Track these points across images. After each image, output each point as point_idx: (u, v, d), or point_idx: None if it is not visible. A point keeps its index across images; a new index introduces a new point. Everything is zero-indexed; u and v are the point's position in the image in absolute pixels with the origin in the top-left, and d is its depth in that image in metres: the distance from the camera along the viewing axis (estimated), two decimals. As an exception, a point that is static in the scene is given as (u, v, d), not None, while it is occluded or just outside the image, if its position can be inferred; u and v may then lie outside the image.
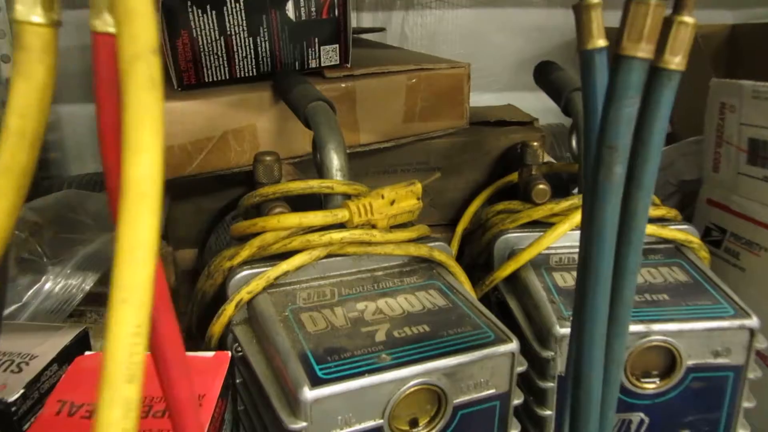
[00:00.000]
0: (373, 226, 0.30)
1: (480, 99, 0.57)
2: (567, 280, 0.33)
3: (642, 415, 0.31)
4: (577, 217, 0.33)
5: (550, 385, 0.30)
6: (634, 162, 0.17)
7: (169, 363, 0.14)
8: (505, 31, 0.74)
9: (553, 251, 0.35)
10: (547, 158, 0.47)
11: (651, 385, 0.30)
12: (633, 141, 0.17)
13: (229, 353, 0.27)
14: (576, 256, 0.35)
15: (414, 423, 0.27)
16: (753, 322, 0.29)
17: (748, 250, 0.37)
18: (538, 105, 0.54)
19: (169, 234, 0.48)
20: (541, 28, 0.74)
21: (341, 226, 0.30)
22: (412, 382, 0.25)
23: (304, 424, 0.23)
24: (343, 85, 0.44)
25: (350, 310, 0.29)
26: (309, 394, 0.23)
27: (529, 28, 0.74)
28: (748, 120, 0.38)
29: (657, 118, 0.17)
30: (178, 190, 0.46)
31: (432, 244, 0.33)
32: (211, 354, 0.27)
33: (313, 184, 0.31)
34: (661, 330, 0.29)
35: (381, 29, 0.65)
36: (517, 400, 0.28)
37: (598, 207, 0.17)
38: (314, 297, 0.29)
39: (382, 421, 0.25)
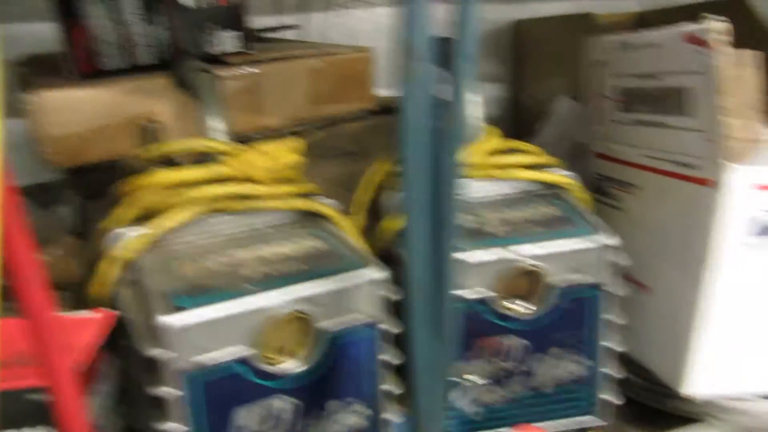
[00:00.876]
0: (256, 182, 0.32)
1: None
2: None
3: (518, 338, 0.32)
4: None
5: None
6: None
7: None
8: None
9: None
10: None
11: (522, 309, 0.32)
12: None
13: (112, 312, 0.28)
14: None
15: (286, 353, 0.28)
16: (613, 240, 0.31)
17: (623, 191, 0.40)
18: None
19: (85, 230, 0.49)
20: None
21: (222, 182, 0.31)
22: (277, 309, 0.26)
23: (163, 351, 0.24)
24: (246, 70, 0.46)
25: (230, 259, 0.30)
26: (167, 319, 0.24)
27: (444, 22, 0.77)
28: (617, 71, 0.41)
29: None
30: (93, 185, 0.47)
31: (321, 200, 0.34)
32: (90, 314, 0.28)
33: (193, 144, 0.32)
34: (525, 252, 0.31)
35: (294, 26, 0.67)
36: (395, 329, 0.29)
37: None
38: (197, 253, 0.31)
39: (247, 349, 0.26)
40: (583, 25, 0.60)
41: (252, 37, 0.47)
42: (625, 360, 0.42)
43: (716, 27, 0.32)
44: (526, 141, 0.39)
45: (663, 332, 0.37)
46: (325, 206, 0.34)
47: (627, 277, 0.40)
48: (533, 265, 0.31)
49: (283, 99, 0.49)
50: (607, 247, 0.31)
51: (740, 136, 0.32)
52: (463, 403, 0.34)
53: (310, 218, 0.34)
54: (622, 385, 0.41)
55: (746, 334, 0.35)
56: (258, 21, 0.58)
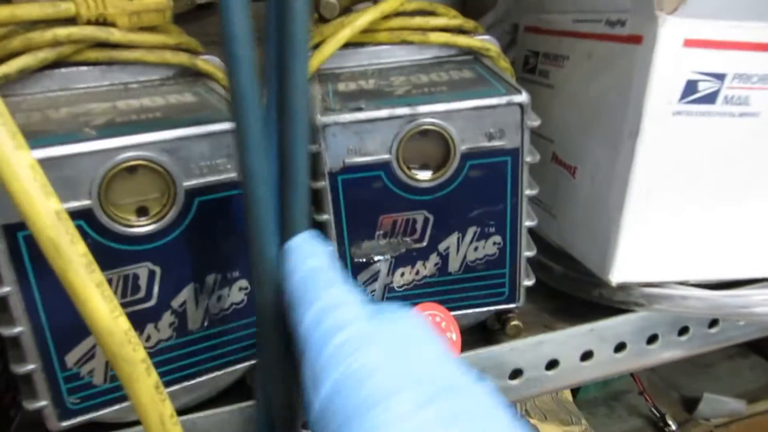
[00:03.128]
0: (112, 25, 0.27)
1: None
2: (350, 86, 0.31)
3: (425, 212, 0.29)
4: (344, 32, 0.31)
5: (322, 183, 0.28)
6: None
7: None
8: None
9: (350, 68, 0.33)
10: None
11: (427, 176, 0.29)
12: None
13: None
14: (367, 69, 0.34)
15: (143, 212, 0.24)
16: (522, 97, 0.28)
17: (554, 65, 0.36)
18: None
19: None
20: None
21: (70, 22, 0.27)
22: (120, 156, 0.23)
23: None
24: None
25: (78, 109, 0.26)
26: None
27: None
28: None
29: None
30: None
31: (203, 57, 0.30)
32: None
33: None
34: (429, 111, 0.27)
35: None
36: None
37: None
38: (42, 104, 0.26)
39: (89, 202, 0.23)
40: None
41: None
42: (550, 250, 0.39)
43: None
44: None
45: (589, 217, 0.35)
46: (203, 62, 0.29)
47: (554, 159, 0.37)
48: (435, 125, 0.28)
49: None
50: (517, 105, 0.28)
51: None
52: (371, 289, 0.31)
53: (193, 77, 0.30)
54: (546, 274, 0.39)
55: (676, 216, 0.32)
56: None
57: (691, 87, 0.29)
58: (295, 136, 0.21)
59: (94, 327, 0.17)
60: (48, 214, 0.16)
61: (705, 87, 0.29)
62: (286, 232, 0.22)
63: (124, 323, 0.18)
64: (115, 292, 0.23)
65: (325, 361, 0.17)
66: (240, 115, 0.20)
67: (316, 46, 0.32)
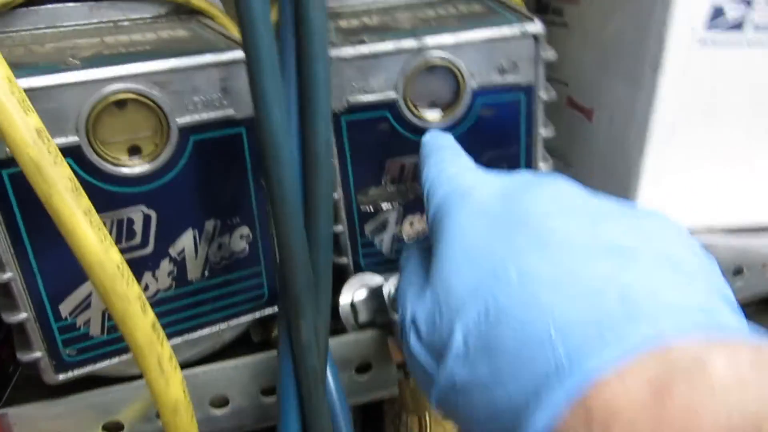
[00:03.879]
0: (97, -44, 0.26)
1: None
2: (352, 23, 0.29)
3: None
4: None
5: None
6: None
7: None
8: None
9: (352, 5, 0.31)
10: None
11: (435, 116, 0.27)
12: None
13: None
14: (370, 6, 0.32)
15: (136, 152, 0.23)
16: (536, 26, 0.26)
17: (568, 1, 0.34)
18: None
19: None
20: None
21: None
22: (108, 88, 0.21)
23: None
24: None
25: (64, 44, 0.24)
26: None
27: None
28: None
29: None
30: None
31: (196, -4, 0.28)
32: None
33: None
34: (437, 43, 0.26)
35: None
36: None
37: None
38: (27, 41, 0.25)
39: (76, 138, 0.21)
40: None
41: None
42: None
43: None
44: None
45: (608, 162, 0.33)
46: (201, 0, 0.28)
47: (569, 103, 0.35)
48: (444, 59, 0.26)
49: None
50: (531, 35, 0.26)
51: None
52: (380, 240, 0.30)
53: (187, 15, 0.28)
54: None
55: (701, 157, 0.30)
56: None
57: (716, 12, 0.27)
58: (315, 57, 0.19)
59: (82, 258, 0.16)
60: (28, 131, 0.15)
61: (731, 12, 0.27)
62: (308, 163, 0.21)
63: (115, 255, 0.17)
64: (110, 238, 0.22)
65: None
66: (252, 43, 0.18)
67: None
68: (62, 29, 0.26)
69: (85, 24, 0.26)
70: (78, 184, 0.16)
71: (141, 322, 0.17)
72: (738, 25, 0.27)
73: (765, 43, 0.28)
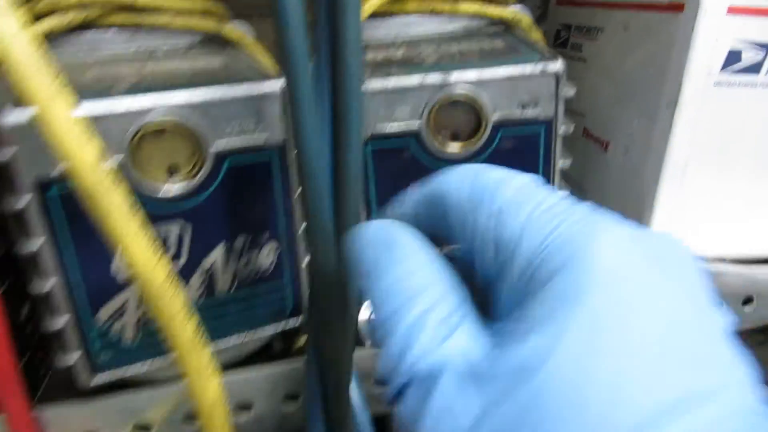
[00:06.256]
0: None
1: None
2: (378, 56, 0.31)
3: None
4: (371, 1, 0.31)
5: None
6: None
7: None
8: None
9: (378, 39, 0.33)
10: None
11: (457, 147, 0.28)
12: None
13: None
14: (395, 40, 0.33)
15: (173, 170, 0.24)
16: (558, 65, 0.27)
17: (588, 38, 0.36)
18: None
19: None
20: None
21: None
22: (149, 116, 0.23)
23: (13, 148, 0.21)
24: None
25: (105, 72, 0.26)
26: (10, 116, 0.20)
27: None
28: None
29: None
30: None
31: (233, 24, 0.30)
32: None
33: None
34: (461, 79, 0.27)
35: None
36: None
37: None
38: (68, 68, 0.26)
39: (122, 156, 0.23)
40: None
41: None
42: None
43: None
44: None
45: (622, 192, 0.34)
46: (231, 29, 0.29)
47: (585, 134, 0.36)
48: (468, 94, 0.27)
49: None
50: (552, 74, 0.27)
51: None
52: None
53: (220, 45, 0.30)
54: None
55: (713, 190, 0.31)
56: None
57: (733, 56, 0.28)
58: (350, 91, 0.21)
59: (137, 271, 0.17)
60: (90, 157, 0.16)
61: (749, 56, 0.28)
62: (339, 191, 0.22)
63: (165, 267, 0.18)
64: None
65: None
66: (291, 73, 0.20)
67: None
68: (102, 55, 0.27)
69: (123, 51, 0.28)
70: (131, 205, 0.18)
71: (186, 327, 0.19)
72: (753, 68, 0.28)
73: (779, 86, 0.29)
